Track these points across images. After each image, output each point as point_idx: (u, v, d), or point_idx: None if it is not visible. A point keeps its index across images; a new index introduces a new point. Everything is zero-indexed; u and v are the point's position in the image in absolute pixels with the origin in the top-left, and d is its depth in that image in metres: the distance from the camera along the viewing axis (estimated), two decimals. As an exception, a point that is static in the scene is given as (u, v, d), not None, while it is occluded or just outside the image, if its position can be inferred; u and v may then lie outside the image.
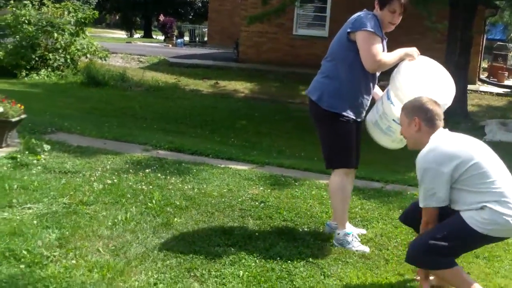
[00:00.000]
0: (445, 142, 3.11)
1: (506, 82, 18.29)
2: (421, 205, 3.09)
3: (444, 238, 2.96)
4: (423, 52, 3.99)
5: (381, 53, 3.81)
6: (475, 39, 14.62)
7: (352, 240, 3.98)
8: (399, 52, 3.89)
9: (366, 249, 3.96)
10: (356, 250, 3.90)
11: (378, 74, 4.06)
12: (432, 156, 3.05)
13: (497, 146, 10.75)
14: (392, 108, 3.82)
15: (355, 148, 4.07)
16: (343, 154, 4.00)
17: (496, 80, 20.59)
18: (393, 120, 3.83)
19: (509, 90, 16.72)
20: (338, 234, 4.02)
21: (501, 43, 26.44)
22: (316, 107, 4.00)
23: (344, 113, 3.91)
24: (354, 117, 3.96)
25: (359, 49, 3.81)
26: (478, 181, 2.97)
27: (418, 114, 3.27)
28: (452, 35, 13.26)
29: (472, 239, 2.99)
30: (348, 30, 3.86)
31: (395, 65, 3.91)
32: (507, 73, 20.00)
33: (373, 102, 4.15)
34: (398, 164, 7.74)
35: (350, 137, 3.99)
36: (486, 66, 24.64)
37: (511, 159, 9.79)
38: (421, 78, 3.79)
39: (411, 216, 3.47)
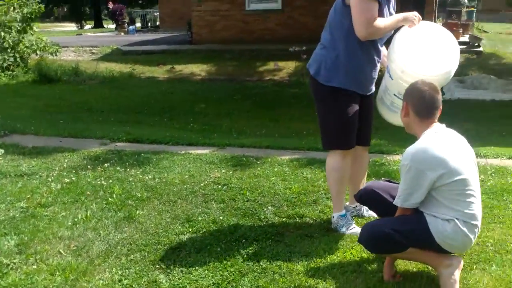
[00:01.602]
0: (438, 144, 2.89)
1: (462, 39, 18.39)
2: (396, 202, 2.98)
3: (404, 233, 2.90)
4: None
5: (374, 19, 3.42)
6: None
7: (345, 223, 3.80)
8: (396, 17, 3.54)
9: (359, 230, 3.70)
10: (351, 233, 3.73)
11: (381, 42, 3.69)
12: (421, 157, 2.86)
13: (455, 104, 10.93)
14: (391, 82, 3.54)
15: (355, 126, 3.71)
16: (338, 133, 3.69)
17: (452, 37, 20.65)
18: (394, 95, 3.53)
19: (464, 46, 16.86)
20: (333, 217, 3.86)
21: (454, -2, 26.52)
22: (313, 82, 3.71)
23: (343, 87, 3.59)
24: (355, 91, 3.64)
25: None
26: (456, 197, 2.87)
27: (408, 98, 3.06)
28: (404, -7, 13.31)
29: (427, 244, 2.93)
30: None
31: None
32: (461, 29, 20.04)
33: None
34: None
35: (349, 114, 3.64)
36: (441, 24, 24.88)
37: (468, 116, 9.94)
38: (414, 48, 3.41)
39: (365, 198, 3.42)
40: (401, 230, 2.92)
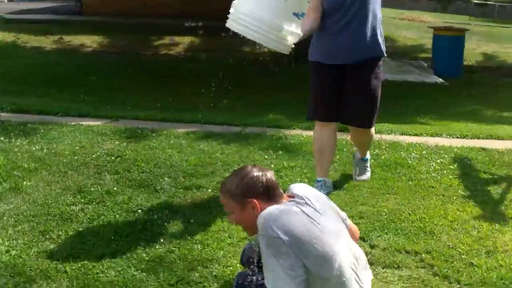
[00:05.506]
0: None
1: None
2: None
3: None
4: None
5: None
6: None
7: (323, 187, 3.80)
8: None
9: None
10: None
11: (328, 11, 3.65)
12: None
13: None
14: None
15: (322, 98, 3.81)
16: (309, 103, 3.90)
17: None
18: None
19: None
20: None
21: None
22: None
23: (311, 59, 3.82)
24: (319, 60, 3.76)
25: None
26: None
27: (251, 195, 2.27)
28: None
29: None
30: None
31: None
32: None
33: None
34: (256, 107, 7.86)
35: (316, 84, 3.84)
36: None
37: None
38: None
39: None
40: None
